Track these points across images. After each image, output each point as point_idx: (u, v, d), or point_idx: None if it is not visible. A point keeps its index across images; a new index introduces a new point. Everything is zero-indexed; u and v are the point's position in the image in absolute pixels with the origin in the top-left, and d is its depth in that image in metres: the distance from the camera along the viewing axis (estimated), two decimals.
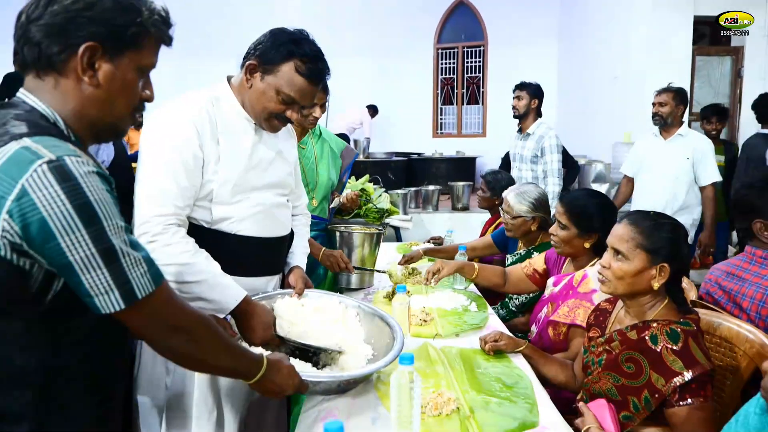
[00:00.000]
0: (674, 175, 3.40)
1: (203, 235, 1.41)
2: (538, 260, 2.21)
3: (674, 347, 1.28)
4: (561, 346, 1.87)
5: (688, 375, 1.24)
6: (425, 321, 1.88)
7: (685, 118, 3.72)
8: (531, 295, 2.35)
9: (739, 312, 1.59)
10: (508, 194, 2.47)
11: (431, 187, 5.77)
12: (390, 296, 2.10)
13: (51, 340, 0.83)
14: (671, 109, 3.41)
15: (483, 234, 3.24)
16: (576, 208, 1.90)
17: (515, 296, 2.45)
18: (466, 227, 5.17)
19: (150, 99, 0.95)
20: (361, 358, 1.43)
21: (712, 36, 6.46)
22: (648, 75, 5.55)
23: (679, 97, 3.45)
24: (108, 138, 0.97)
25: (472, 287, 2.36)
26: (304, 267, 1.70)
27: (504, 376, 1.46)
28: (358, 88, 8.31)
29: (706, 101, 5.73)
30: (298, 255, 1.71)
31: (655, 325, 1.34)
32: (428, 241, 3.30)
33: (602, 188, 5.97)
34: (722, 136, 5.04)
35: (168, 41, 0.94)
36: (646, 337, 1.33)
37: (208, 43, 8.16)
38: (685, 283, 2.00)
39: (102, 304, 0.80)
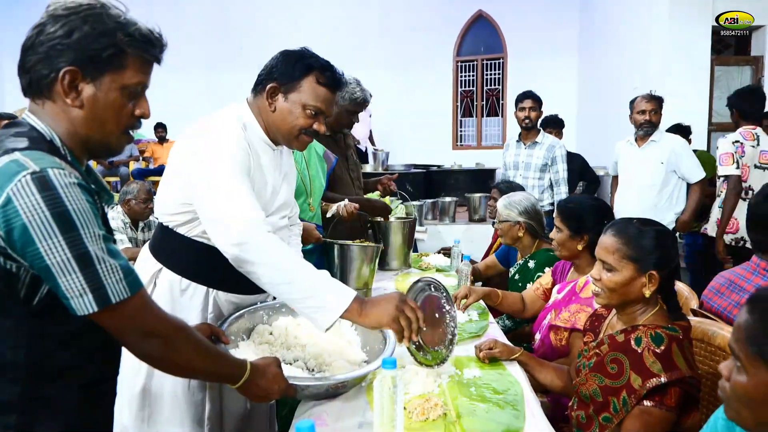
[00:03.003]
0: (649, 182, 3.43)
1: (204, 252, 1.43)
2: (545, 278, 2.26)
3: (656, 349, 1.29)
4: (562, 350, 1.88)
5: (663, 378, 1.25)
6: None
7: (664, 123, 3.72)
8: None
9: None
10: (500, 202, 2.58)
11: (448, 199, 5.79)
12: None
13: (39, 339, 0.89)
14: (659, 117, 3.43)
15: (493, 243, 3.26)
16: (567, 211, 1.97)
17: None
18: (483, 239, 5.17)
19: (144, 116, 0.99)
20: (354, 364, 1.44)
21: (737, 46, 6.37)
22: (667, 86, 5.51)
23: (661, 104, 3.49)
24: (102, 155, 1.03)
25: None
26: None
27: (495, 383, 1.48)
28: (379, 101, 8.38)
29: (726, 111, 5.62)
30: None
31: (642, 328, 1.35)
32: (438, 252, 3.35)
33: None
34: None
35: (152, 59, 0.98)
36: (631, 339, 1.34)
37: (237, 57, 8.35)
38: (688, 292, 2.00)
39: (77, 306, 0.85)
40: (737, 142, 3.23)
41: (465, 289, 2.15)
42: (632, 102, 3.64)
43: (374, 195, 3.23)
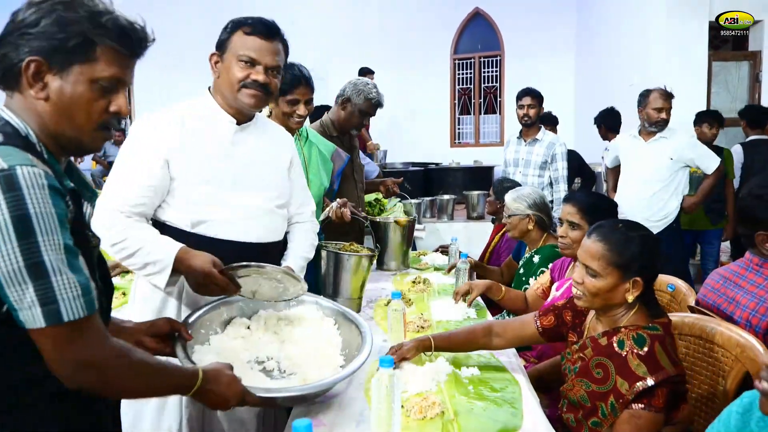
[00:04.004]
0: (656, 176, 3.41)
1: (184, 240, 1.42)
2: (544, 277, 2.26)
3: (640, 352, 1.28)
4: (560, 347, 1.88)
5: (650, 381, 1.24)
6: (423, 327, 1.91)
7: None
8: None
9: (734, 319, 1.57)
10: (508, 196, 2.57)
11: (446, 197, 5.78)
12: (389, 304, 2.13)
13: (12, 349, 0.83)
14: (670, 114, 3.46)
15: (491, 240, 3.26)
16: (586, 206, 1.90)
17: None
18: (481, 236, 5.16)
19: (121, 113, 0.92)
20: (328, 368, 1.33)
21: (735, 42, 6.36)
22: (665, 82, 5.50)
23: (672, 100, 3.49)
24: (75, 153, 0.96)
25: None
26: (299, 270, 1.63)
27: (493, 381, 1.48)
28: None
29: (725, 106, 5.64)
30: (292, 257, 1.65)
31: (623, 330, 1.34)
32: (436, 250, 3.34)
33: None
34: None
35: (127, 53, 0.91)
36: (614, 343, 1.33)
37: None
38: (686, 289, 2.00)
39: (25, 318, 0.78)
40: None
41: (466, 286, 2.14)
42: (645, 96, 3.57)
43: (377, 195, 3.22)
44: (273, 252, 1.60)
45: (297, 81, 2.04)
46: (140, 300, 1.53)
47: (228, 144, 1.50)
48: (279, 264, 1.57)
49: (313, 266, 2.07)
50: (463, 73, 9.01)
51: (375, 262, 2.33)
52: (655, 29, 5.64)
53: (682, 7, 5.33)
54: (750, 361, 1.38)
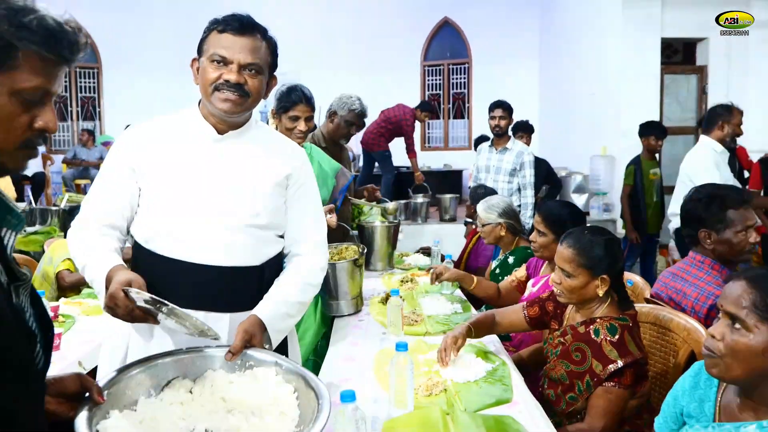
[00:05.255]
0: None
1: (139, 256, 1.35)
2: (520, 271, 2.51)
3: (612, 339, 1.55)
4: (537, 336, 2.16)
5: (620, 363, 1.51)
6: (415, 321, 2.15)
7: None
8: None
9: (682, 307, 1.87)
10: (479, 207, 2.84)
11: (420, 200, 6.04)
12: (384, 301, 2.36)
13: None
14: None
15: (468, 242, 3.53)
16: (551, 217, 2.21)
17: None
18: (454, 237, 5.44)
19: (48, 129, 0.78)
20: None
21: (684, 54, 6.83)
22: (622, 92, 5.92)
23: None
24: None
25: (458, 292, 2.63)
26: (267, 319, 1.31)
27: (486, 361, 1.72)
28: None
29: (675, 116, 6.11)
30: (266, 303, 1.35)
31: (599, 320, 1.61)
32: (418, 251, 3.59)
33: (581, 198, 6.30)
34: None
35: (56, 59, 0.76)
36: (591, 331, 1.60)
37: None
38: (642, 283, 2.30)
39: None
40: None
41: (441, 267, 2.50)
42: (727, 112, 3.42)
43: (362, 205, 3.43)
44: (245, 279, 1.35)
45: (298, 99, 2.22)
46: (112, 328, 1.41)
47: (201, 154, 1.35)
48: (248, 297, 1.36)
49: None
50: (432, 80, 9.32)
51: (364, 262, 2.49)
52: (612, 42, 6.02)
53: (636, 23, 5.73)
54: (695, 341, 1.67)
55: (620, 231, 5.36)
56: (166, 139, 1.37)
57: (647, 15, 5.72)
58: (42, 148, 1.16)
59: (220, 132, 1.37)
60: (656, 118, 5.76)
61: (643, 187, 4.70)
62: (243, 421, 1.10)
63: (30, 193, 6.79)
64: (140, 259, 1.35)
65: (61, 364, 1.82)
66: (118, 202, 1.34)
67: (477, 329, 1.80)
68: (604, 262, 1.61)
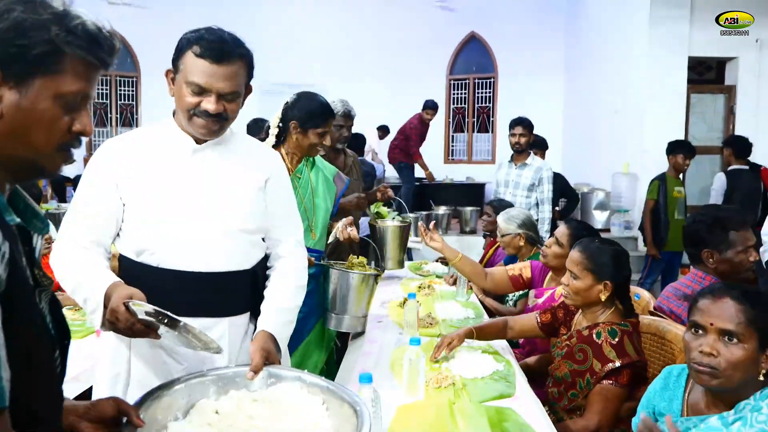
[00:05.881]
0: None
1: (132, 270, 1.34)
2: (525, 268, 2.56)
3: (612, 341, 1.68)
4: (545, 347, 2.26)
5: (618, 363, 1.64)
6: (430, 324, 2.30)
7: None
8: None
9: (682, 320, 1.97)
10: (499, 218, 2.95)
11: (441, 211, 6.18)
12: (402, 304, 2.50)
13: None
14: None
15: (486, 253, 3.65)
16: (575, 232, 2.26)
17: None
18: (474, 248, 5.56)
19: (84, 133, 0.80)
20: None
21: (718, 72, 6.78)
22: (646, 110, 5.97)
23: None
24: (30, 177, 0.83)
25: (472, 298, 2.76)
26: (277, 329, 1.36)
27: (494, 361, 1.85)
28: (373, 115, 8.79)
29: (701, 135, 6.12)
30: (267, 313, 1.39)
31: (602, 324, 1.74)
32: (437, 261, 3.73)
33: (603, 215, 6.36)
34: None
35: (98, 63, 0.79)
36: (593, 334, 1.73)
37: None
38: (648, 297, 2.40)
39: None
40: None
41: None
42: None
43: (384, 211, 3.53)
44: (240, 283, 1.40)
45: (332, 116, 2.16)
46: (109, 349, 1.38)
47: (182, 164, 1.35)
48: (242, 298, 1.42)
49: (317, 285, 2.09)
50: (457, 93, 9.47)
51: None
52: (638, 60, 6.08)
53: (663, 41, 5.78)
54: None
55: (641, 248, 5.40)
56: (146, 151, 1.36)
57: (674, 34, 5.75)
58: (84, 152, 1.07)
59: (199, 142, 1.38)
60: (681, 137, 5.80)
61: (666, 204, 4.75)
62: None
63: (73, 194, 7.09)
64: (131, 273, 1.32)
65: None
66: (103, 218, 1.33)
67: (483, 333, 1.95)
68: (609, 269, 1.74)
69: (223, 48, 1.28)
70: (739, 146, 4.96)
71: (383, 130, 8.44)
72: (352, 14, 9.11)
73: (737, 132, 5.81)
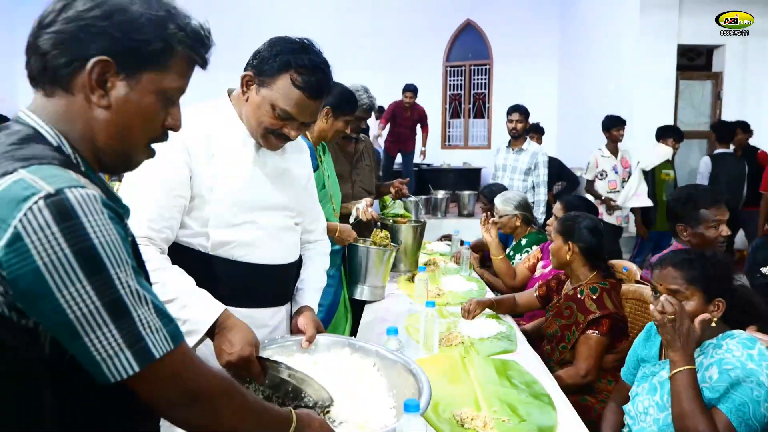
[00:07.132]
0: None
1: (201, 263, 1.32)
2: (536, 251, 2.91)
3: (593, 296, 1.96)
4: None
5: (598, 313, 1.91)
6: (438, 295, 2.55)
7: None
8: None
9: None
10: (497, 200, 3.21)
11: (440, 195, 6.40)
12: (411, 279, 2.74)
13: (70, 407, 0.71)
14: None
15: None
16: (568, 205, 2.68)
17: None
18: (471, 230, 5.79)
19: (175, 128, 0.82)
20: (383, 412, 1.18)
21: (707, 58, 7.00)
22: (636, 96, 6.18)
23: None
24: (116, 169, 0.83)
25: (474, 274, 3.01)
26: (315, 306, 1.53)
27: (498, 324, 2.10)
28: None
29: (689, 121, 6.36)
30: (309, 292, 1.54)
31: (584, 284, 2.03)
32: (440, 239, 3.97)
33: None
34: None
35: (202, 63, 0.82)
36: (577, 291, 2.01)
37: (230, 59, 8.77)
38: (635, 268, 2.66)
39: (111, 370, 0.66)
40: None
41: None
42: None
43: (387, 198, 3.73)
44: (289, 273, 1.51)
45: (359, 105, 2.24)
46: None
47: (250, 161, 1.38)
48: (291, 288, 1.54)
49: (342, 259, 2.29)
50: (454, 80, 9.64)
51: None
52: (628, 48, 6.26)
53: (653, 29, 5.95)
54: None
55: (632, 229, 5.66)
56: (214, 144, 1.33)
57: (664, 21, 5.93)
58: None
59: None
60: (671, 122, 6.02)
61: (654, 186, 5.01)
62: (338, 395, 1.16)
63: None
64: (206, 266, 1.33)
65: None
66: (176, 212, 1.29)
67: (500, 305, 2.27)
68: (573, 233, 2.06)
69: (322, 86, 1.32)
70: (721, 132, 5.22)
71: (379, 111, 8.60)
72: (349, 1, 9.23)
73: (724, 117, 6.04)
